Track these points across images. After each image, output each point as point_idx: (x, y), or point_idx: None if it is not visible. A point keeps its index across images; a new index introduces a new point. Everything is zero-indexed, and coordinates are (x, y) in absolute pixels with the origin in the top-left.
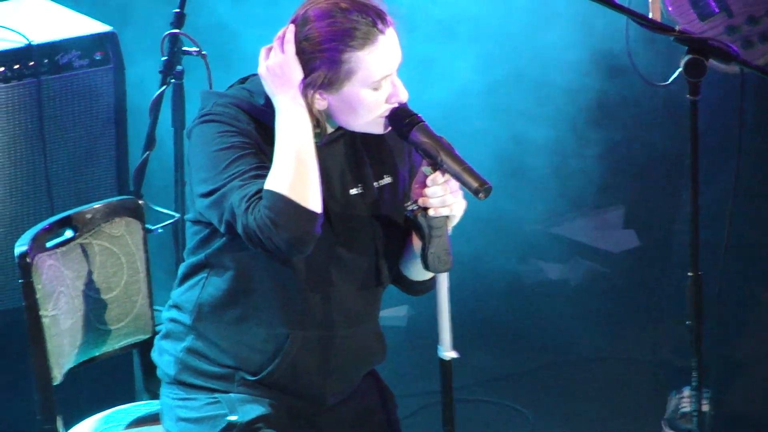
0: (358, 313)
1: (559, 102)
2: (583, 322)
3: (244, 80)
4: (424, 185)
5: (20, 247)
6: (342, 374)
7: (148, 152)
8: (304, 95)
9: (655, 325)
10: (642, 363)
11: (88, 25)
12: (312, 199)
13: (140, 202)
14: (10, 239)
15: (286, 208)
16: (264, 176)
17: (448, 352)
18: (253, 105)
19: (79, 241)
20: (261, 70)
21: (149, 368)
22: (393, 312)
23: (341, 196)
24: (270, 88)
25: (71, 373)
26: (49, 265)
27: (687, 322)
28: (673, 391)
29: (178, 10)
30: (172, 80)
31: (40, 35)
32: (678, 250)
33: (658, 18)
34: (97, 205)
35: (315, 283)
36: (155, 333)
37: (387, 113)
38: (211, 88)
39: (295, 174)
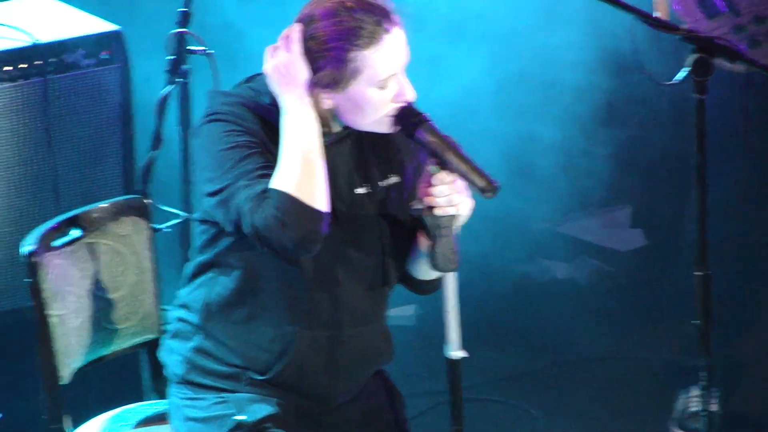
0: (365, 313)
1: (567, 101)
2: (590, 321)
3: (250, 79)
4: (430, 184)
5: (27, 246)
6: (349, 374)
7: (154, 151)
8: (310, 94)
9: (662, 324)
10: (649, 362)
11: (95, 24)
12: (318, 198)
13: (147, 201)
14: (16, 238)
15: (292, 207)
16: (270, 175)
17: (456, 352)
18: (259, 104)
19: (86, 240)
20: (267, 69)
21: (157, 368)
22: (400, 311)
23: (348, 195)
24: (276, 87)
25: (79, 373)
26: (56, 264)
27: (693, 322)
28: (681, 390)
29: (184, 9)
30: (179, 79)
31: (47, 34)
32: (685, 249)
33: (665, 16)
34: (103, 205)
35: (322, 283)
36: (163, 332)
37: (393, 112)
38: (217, 87)
39: (302, 173)
